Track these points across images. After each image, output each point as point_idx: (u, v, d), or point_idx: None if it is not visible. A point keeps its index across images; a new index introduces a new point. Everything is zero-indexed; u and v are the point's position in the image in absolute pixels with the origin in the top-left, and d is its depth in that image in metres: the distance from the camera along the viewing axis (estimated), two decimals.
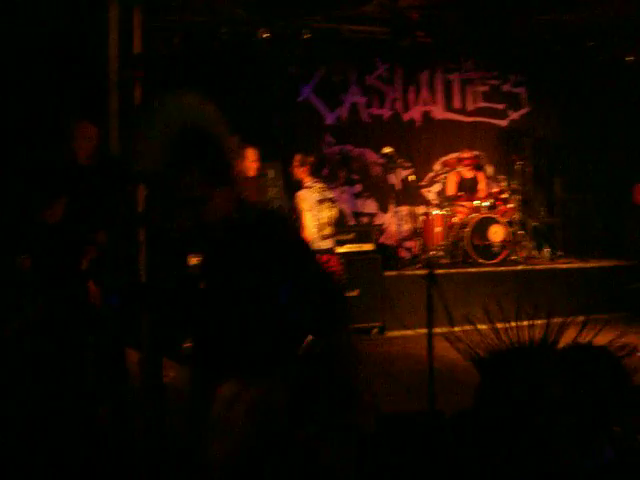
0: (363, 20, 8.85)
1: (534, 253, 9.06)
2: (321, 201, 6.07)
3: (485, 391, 2.10)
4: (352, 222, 9.17)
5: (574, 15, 8.73)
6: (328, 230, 6.10)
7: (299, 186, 6.18)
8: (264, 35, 8.41)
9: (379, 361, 6.66)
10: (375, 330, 7.66)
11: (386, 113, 9.70)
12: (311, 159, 6.29)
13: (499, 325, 2.27)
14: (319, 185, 6.19)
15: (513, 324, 2.20)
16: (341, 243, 7.22)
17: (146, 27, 7.52)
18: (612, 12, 8.40)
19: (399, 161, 8.51)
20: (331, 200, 6.24)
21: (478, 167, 9.25)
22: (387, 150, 5.64)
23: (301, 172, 6.19)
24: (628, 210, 9.38)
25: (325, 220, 6.06)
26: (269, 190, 8.59)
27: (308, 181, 6.14)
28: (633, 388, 2.47)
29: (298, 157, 6.23)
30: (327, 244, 6.11)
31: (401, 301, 7.56)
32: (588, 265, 8.79)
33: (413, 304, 7.13)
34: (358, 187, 9.39)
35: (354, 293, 7.31)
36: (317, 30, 8.68)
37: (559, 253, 9.15)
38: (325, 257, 6.02)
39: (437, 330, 6.93)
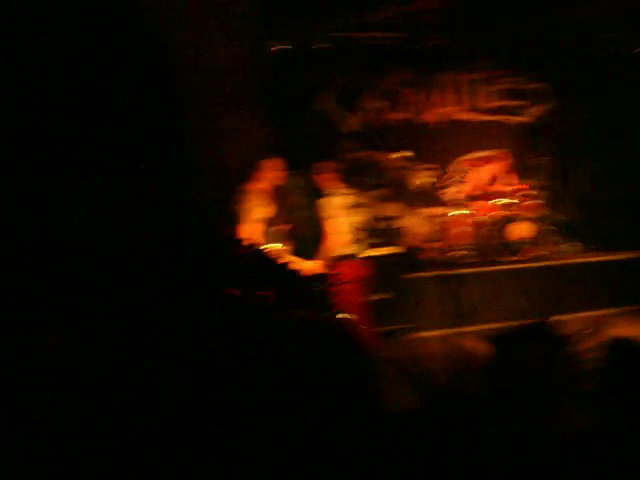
0: (378, 26, 8.93)
1: (560, 248, 9.05)
2: (352, 206, 6.14)
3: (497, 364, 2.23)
4: (375, 226, 9.24)
5: (586, 10, 8.76)
6: (359, 235, 6.16)
7: (324, 193, 6.24)
8: (282, 47, 8.53)
9: (407, 363, 6.73)
10: (405, 332, 7.72)
11: (406, 116, 9.76)
12: (335, 165, 6.35)
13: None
14: (345, 191, 6.25)
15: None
16: (368, 247, 7.31)
17: None
18: (622, 5, 8.42)
19: (418, 164, 8.59)
20: (361, 205, 6.30)
21: (503, 165, 9.28)
22: (405, 153, 5.69)
23: (328, 178, 6.25)
24: None
25: (356, 225, 6.13)
26: (298, 199, 8.72)
27: (337, 187, 6.20)
28: None
29: (322, 164, 6.29)
30: (359, 249, 6.17)
31: (429, 302, 7.60)
32: (615, 258, 8.73)
33: (441, 304, 7.20)
34: (379, 191, 9.45)
35: (382, 296, 7.38)
36: (333, 39, 8.79)
37: (586, 247, 9.14)
38: (357, 262, 6.09)
39: (466, 329, 7.05)
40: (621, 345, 2.63)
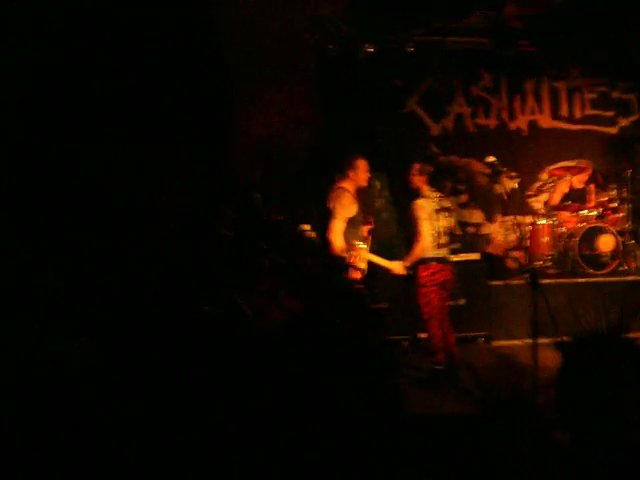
0: (467, 31, 8.89)
1: None
2: (439, 210, 6.15)
3: (566, 373, 2.26)
4: (459, 232, 9.20)
5: None
6: (444, 239, 6.18)
7: (417, 195, 6.25)
8: (369, 50, 8.58)
9: (483, 371, 6.69)
10: (481, 339, 7.68)
11: (492, 123, 9.68)
12: (430, 168, 6.34)
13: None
14: (437, 194, 6.26)
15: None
16: (451, 252, 7.35)
17: None
18: None
19: (504, 170, 8.51)
20: (448, 209, 6.31)
21: (587, 176, 9.12)
22: (491, 159, 5.66)
23: (419, 181, 6.25)
24: None
25: (442, 229, 6.14)
26: (376, 201, 8.79)
27: (426, 190, 6.21)
28: None
29: (417, 166, 6.28)
30: (443, 253, 6.19)
31: (507, 311, 7.55)
32: None
33: (519, 314, 7.11)
34: (464, 197, 9.40)
35: (461, 302, 7.37)
36: (421, 43, 8.78)
37: None
38: (440, 266, 6.11)
39: (544, 340, 6.96)
40: None
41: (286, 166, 7.60)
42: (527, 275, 7.64)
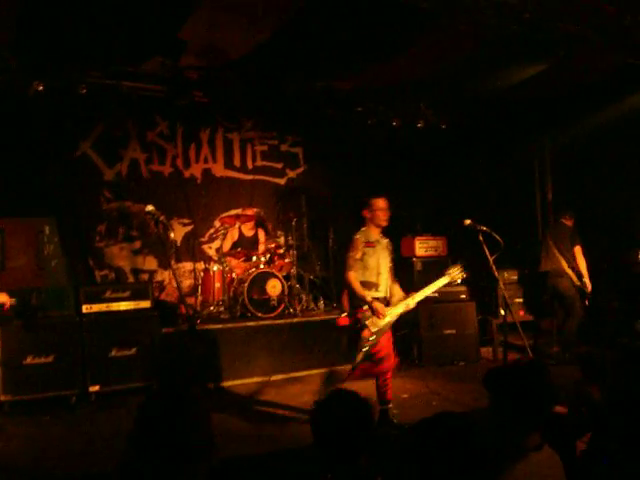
0: (143, 77, 8.85)
1: (310, 305, 9.40)
2: None
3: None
4: (131, 279, 9.04)
5: (345, 82, 9.36)
6: None
7: None
8: (38, 87, 8.14)
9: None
10: (155, 387, 7.53)
11: (166, 170, 9.74)
12: None
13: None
14: None
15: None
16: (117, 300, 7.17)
17: None
18: (379, 81, 9.09)
19: (177, 217, 8.57)
20: None
21: (257, 223, 9.51)
22: (149, 208, 5.59)
23: None
24: (398, 261, 10.00)
25: None
26: (46, 247, 8.28)
27: None
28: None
29: None
30: None
31: (180, 357, 7.50)
32: None
33: (193, 360, 7.11)
34: (137, 243, 9.29)
35: (131, 352, 7.19)
36: (95, 85, 8.55)
37: (334, 305, 9.57)
38: None
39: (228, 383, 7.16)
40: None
41: None
42: (200, 321, 7.75)
